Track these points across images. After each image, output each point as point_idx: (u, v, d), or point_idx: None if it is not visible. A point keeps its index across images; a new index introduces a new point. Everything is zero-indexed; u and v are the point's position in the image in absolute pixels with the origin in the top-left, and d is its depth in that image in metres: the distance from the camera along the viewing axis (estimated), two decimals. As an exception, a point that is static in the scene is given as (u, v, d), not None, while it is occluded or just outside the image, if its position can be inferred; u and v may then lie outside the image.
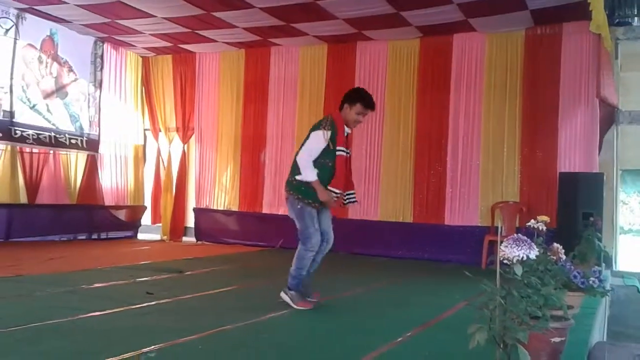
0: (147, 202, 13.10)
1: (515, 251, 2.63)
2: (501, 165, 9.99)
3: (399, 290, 7.15)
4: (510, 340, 2.61)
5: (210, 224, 12.31)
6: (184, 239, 12.62)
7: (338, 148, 5.38)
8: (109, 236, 12.15)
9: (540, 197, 9.66)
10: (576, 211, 8.15)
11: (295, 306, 5.50)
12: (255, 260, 9.67)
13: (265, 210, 11.95)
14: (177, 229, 12.76)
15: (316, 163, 5.38)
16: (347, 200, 5.67)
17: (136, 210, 12.96)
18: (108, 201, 12.23)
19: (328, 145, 5.34)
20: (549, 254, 4.03)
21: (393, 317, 5.36)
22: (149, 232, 12.99)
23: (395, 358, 3.93)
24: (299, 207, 5.45)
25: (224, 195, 12.25)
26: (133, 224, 12.85)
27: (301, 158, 5.39)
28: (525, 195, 9.79)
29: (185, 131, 12.75)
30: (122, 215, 12.46)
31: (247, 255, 10.21)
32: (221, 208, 12.20)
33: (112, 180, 12.34)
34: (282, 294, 5.66)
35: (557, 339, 2.99)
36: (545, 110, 9.79)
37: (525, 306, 2.73)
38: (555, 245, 4.36)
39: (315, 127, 5.44)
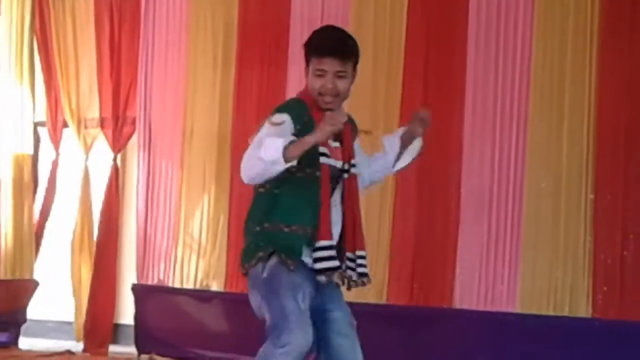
0: (40, 272, 8.20)
1: None
2: None
3: None
4: None
5: (167, 320, 7.72)
6: (113, 349, 7.76)
7: (321, 150, 3.64)
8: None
9: None
10: None
11: None
12: None
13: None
14: (99, 329, 7.72)
15: (271, 185, 3.52)
16: (353, 277, 3.68)
17: (15, 291, 8.09)
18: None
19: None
20: None
21: None
22: (46, 334, 8.36)
23: None
24: (265, 275, 3.65)
25: (195, 260, 7.69)
26: (10, 319, 8.03)
27: (247, 156, 3.51)
28: None
29: (117, 127, 8.07)
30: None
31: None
32: (190, 286, 7.71)
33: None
34: None
35: None
36: None
37: None
38: None
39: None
